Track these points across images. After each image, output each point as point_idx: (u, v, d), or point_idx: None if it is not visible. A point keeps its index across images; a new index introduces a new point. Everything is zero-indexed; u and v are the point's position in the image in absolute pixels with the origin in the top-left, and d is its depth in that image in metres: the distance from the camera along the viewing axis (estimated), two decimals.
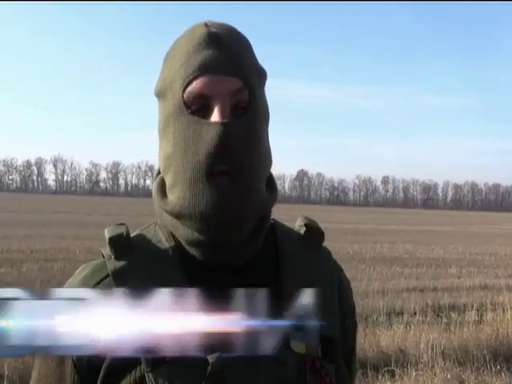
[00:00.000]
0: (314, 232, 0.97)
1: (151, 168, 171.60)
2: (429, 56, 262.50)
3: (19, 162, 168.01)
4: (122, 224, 0.91)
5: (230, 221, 0.83)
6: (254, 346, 0.83)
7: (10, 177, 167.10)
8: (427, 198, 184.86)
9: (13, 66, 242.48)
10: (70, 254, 15.36)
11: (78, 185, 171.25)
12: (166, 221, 0.89)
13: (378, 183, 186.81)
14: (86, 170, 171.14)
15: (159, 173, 0.93)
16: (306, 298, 0.88)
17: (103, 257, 0.89)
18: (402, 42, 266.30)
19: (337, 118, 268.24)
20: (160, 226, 0.92)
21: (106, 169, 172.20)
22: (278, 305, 0.86)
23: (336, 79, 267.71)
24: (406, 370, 5.90)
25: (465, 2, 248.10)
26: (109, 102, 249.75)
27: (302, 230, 0.97)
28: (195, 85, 0.83)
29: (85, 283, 0.87)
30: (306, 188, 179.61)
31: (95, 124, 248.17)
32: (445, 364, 5.95)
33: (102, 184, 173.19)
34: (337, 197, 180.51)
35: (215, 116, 0.82)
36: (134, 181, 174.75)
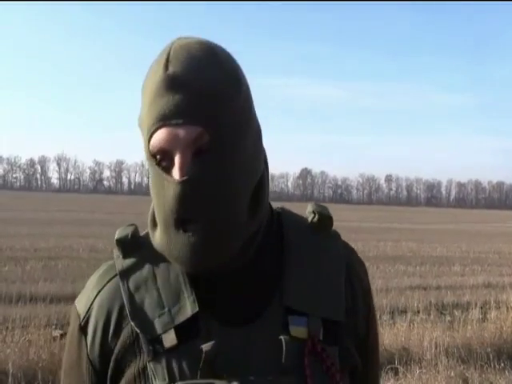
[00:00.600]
0: (322, 218, 0.98)
1: None
2: (434, 53, 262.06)
3: (23, 161, 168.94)
4: (132, 225, 0.95)
5: (205, 262, 0.85)
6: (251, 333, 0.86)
7: (14, 175, 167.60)
8: (431, 197, 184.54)
9: (15, 63, 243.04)
10: (74, 252, 15.42)
11: (82, 183, 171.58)
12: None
13: (382, 181, 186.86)
14: (90, 168, 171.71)
15: None
16: (309, 283, 0.91)
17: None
18: (408, 40, 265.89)
19: (340, 117, 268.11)
20: None
21: (109, 167, 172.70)
22: (280, 292, 0.89)
23: (340, 77, 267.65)
24: (409, 367, 5.90)
25: None
26: (112, 100, 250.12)
27: (311, 217, 0.98)
28: (155, 139, 0.84)
29: (98, 281, 0.94)
30: (310, 186, 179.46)
31: (98, 122, 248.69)
32: (448, 362, 5.94)
33: (105, 182, 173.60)
34: (340, 195, 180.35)
35: (175, 172, 0.83)
36: (138, 179, 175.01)
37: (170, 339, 0.84)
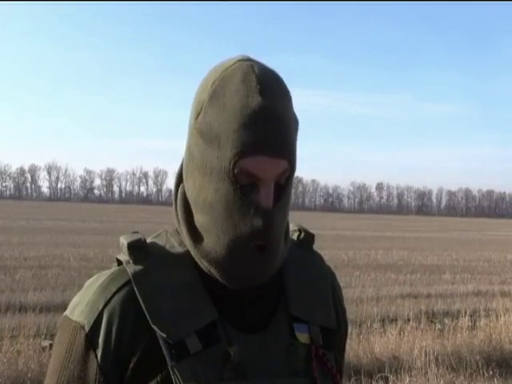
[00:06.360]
0: (306, 235, 1.06)
1: (145, 175, 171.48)
2: (425, 64, 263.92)
3: (13, 169, 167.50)
4: (137, 232, 0.96)
5: (257, 281, 0.92)
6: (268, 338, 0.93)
7: (4, 184, 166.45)
8: (421, 205, 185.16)
9: (6, 71, 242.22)
10: (64, 261, 15.32)
11: (72, 192, 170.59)
12: (191, 252, 0.94)
13: (373, 190, 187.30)
14: (81, 176, 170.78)
15: (180, 180, 0.97)
16: (305, 294, 0.99)
17: (118, 265, 0.93)
18: (398, 51, 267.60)
19: (332, 125, 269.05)
20: (171, 234, 0.98)
21: (100, 176, 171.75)
22: (284, 301, 0.97)
23: (331, 86, 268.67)
24: (399, 376, 5.92)
25: (466, 8, 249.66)
26: (103, 109, 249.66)
27: (295, 235, 1.05)
28: (246, 163, 0.86)
29: (103, 291, 0.90)
30: (301, 195, 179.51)
31: (89, 131, 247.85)
32: (438, 370, 5.97)
33: (96, 191, 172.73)
34: (331, 203, 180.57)
35: (262, 199, 0.88)
36: (129, 188, 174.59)
37: (194, 343, 0.86)
